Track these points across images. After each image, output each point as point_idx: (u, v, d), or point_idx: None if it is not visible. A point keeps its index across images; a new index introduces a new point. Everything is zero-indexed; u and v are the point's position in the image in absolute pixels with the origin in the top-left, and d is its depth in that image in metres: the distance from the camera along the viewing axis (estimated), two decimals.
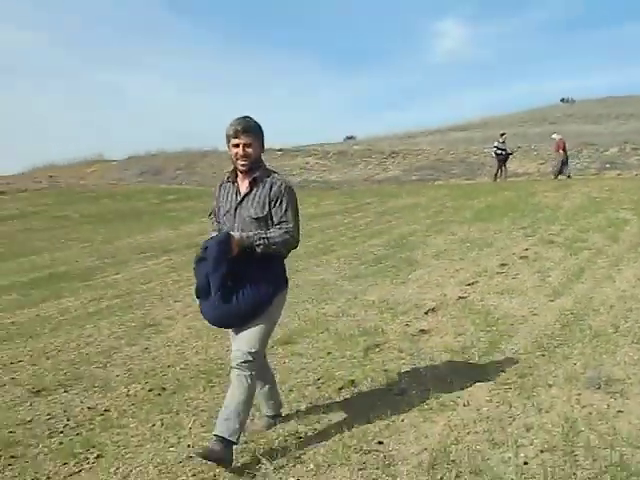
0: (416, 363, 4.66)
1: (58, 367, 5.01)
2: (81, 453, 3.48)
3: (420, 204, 15.44)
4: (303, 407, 3.95)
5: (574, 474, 2.94)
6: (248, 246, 3.17)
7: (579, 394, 3.89)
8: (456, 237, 10.50)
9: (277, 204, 3.28)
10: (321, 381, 4.39)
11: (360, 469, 3.10)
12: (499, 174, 21.82)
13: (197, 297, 3.43)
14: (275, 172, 3.46)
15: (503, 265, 8.08)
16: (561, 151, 21.27)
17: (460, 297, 6.59)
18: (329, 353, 4.99)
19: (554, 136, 22.10)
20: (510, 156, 22.07)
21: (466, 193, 17.18)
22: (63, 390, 4.51)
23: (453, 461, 3.12)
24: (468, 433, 3.44)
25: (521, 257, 8.53)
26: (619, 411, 3.62)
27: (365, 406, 3.89)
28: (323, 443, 3.41)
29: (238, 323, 3.28)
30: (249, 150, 3.28)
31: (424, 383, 4.23)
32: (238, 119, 3.32)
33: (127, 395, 4.34)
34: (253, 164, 3.33)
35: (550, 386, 4.06)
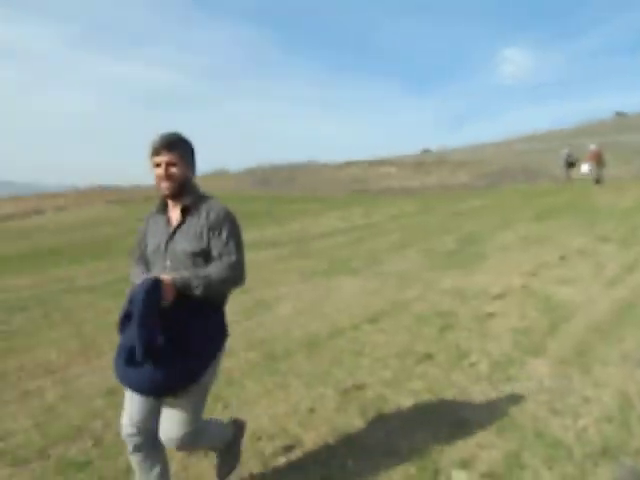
0: (484, 341, 4.54)
1: None
2: (211, 404, 3.63)
3: (487, 206, 14.97)
4: (387, 375, 3.93)
5: (629, 442, 2.79)
6: (184, 290, 2.19)
7: (632, 372, 3.67)
8: (519, 233, 10.12)
9: (216, 234, 2.33)
10: (402, 354, 4.36)
11: (437, 429, 3.07)
12: (566, 178, 21.09)
13: (124, 360, 2.18)
14: (211, 197, 2.49)
15: (562, 258, 7.71)
16: (592, 161, 20.14)
17: (523, 285, 6.34)
18: (409, 331, 4.94)
19: (592, 147, 20.84)
20: (575, 164, 21.13)
21: (528, 196, 16.51)
22: None
23: (519, 425, 3.03)
24: (532, 402, 3.32)
25: (578, 251, 8.11)
26: None
27: (440, 376, 3.84)
28: (406, 405, 3.40)
29: (169, 393, 2.24)
30: (173, 170, 2.34)
31: (492, 358, 4.12)
32: (161, 134, 2.36)
33: (245, 359, 4.47)
34: (181, 188, 2.37)
35: (606, 364, 3.85)
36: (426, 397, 3.48)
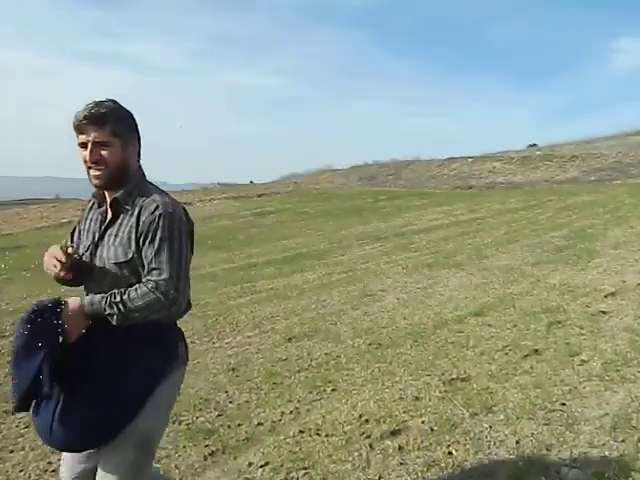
0: (596, 339, 4.22)
1: (303, 322, 5.34)
2: (320, 386, 3.70)
3: (599, 201, 13.85)
4: (493, 368, 3.78)
5: None
6: (96, 319, 1.58)
7: None
8: (635, 230, 9.26)
9: (147, 241, 1.63)
10: (508, 348, 4.16)
11: (545, 424, 2.90)
12: None
13: (19, 406, 1.58)
14: (154, 188, 1.76)
15: None
16: None
17: (639, 284, 5.81)
18: (515, 325, 4.71)
19: None
20: None
21: None
22: (307, 339, 4.79)
23: (634, 427, 2.79)
24: None
25: None
26: None
27: (549, 372, 3.62)
28: (512, 399, 3.25)
29: (82, 447, 1.66)
30: (104, 153, 1.65)
31: (605, 357, 3.82)
32: (88, 104, 1.64)
33: (352, 346, 4.50)
34: (116, 177, 1.69)
35: None
36: (533, 392, 3.30)
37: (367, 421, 3.11)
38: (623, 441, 2.67)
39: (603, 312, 4.93)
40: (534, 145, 35.98)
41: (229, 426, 3.16)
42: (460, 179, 23.75)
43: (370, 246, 9.97)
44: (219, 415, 3.32)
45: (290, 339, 4.81)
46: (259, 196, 21.74)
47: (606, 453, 2.59)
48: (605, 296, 5.46)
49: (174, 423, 3.18)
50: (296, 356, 4.35)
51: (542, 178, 21.92)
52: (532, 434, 2.81)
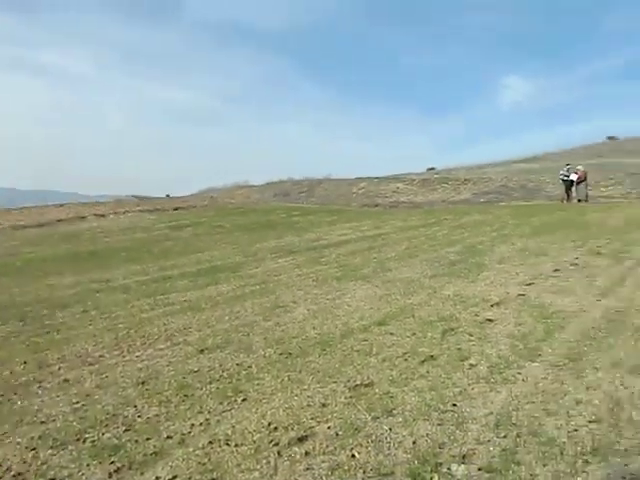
0: (483, 345, 4.48)
1: (216, 334, 5.22)
2: (231, 396, 3.62)
3: (487, 221, 14.83)
4: (394, 373, 3.89)
5: (618, 442, 2.73)
6: None
7: (622, 377, 3.59)
8: (517, 247, 10.00)
9: None
10: (408, 354, 4.31)
11: (439, 424, 3.03)
12: (566, 197, 20.61)
13: None
14: None
15: (556, 270, 7.60)
16: (578, 182, 19.93)
17: (520, 294, 6.26)
18: (414, 334, 4.90)
19: (579, 167, 20.55)
20: (574, 183, 20.70)
21: (525, 213, 16.31)
22: (219, 350, 4.68)
23: (514, 424, 2.98)
24: (527, 403, 3.27)
25: (572, 264, 7.99)
26: None
27: (442, 376, 3.79)
28: (410, 402, 3.36)
29: None
30: None
31: (490, 360, 4.06)
32: None
33: (264, 356, 4.45)
34: None
35: (597, 369, 3.78)
36: (429, 395, 3.44)
37: (276, 429, 3.09)
38: (505, 437, 2.85)
39: (489, 320, 5.25)
40: (433, 169, 37.98)
41: (137, 441, 3.00)
42: (367, 197, 24.49)
43: (283, 259, 9.97)
44: (127, 430, 3.15)
45: (202, 351, 4.68)
46: (175, 209, 21.07)
47: (490, 448, 2.75)
48: (491, 305, 5.82)
49: (78, 441, 2.97)
50: (208, 367, 4.24)
51: (440, 199, 23.15)
52: (427, 434, 2.92)
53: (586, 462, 2.57)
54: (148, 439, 3.00)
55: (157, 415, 3.35)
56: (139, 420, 3.28)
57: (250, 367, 4.20)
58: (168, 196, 32.76)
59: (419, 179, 26.87)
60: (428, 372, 3.89)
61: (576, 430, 2.86)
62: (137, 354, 4.63)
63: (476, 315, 5.47)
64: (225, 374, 4.07)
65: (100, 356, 4.65)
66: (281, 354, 4.48)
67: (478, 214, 16.53)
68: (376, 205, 22.48)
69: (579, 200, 19.85)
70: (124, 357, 4.57)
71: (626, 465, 2.51)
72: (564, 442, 2.74)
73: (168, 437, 3.04)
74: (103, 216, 17.92)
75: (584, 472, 2.50)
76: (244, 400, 3.55)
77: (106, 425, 3.22)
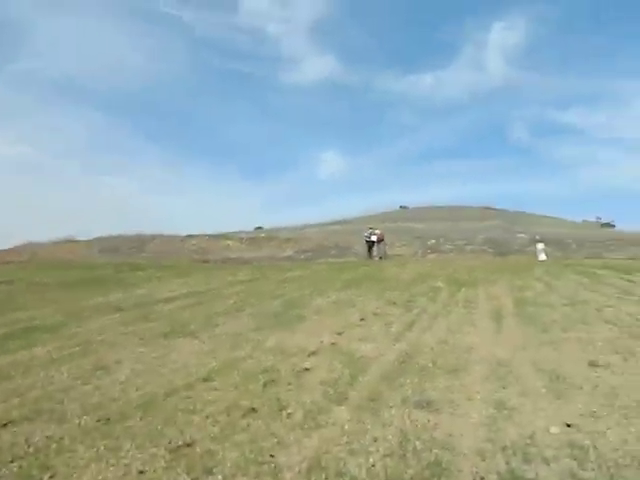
0: (300, 393, 4.58)
1: (24, 403, 4.47)
2: (37, 475, 3.10)
3: (307, 276, 15.56)
4: (216, 430, 3.74)
5: (405, 471, 2.97)
6: None
7: (410, 412, 3.96)
8: (331, 299, 10.61)
9: None
10: (230, 409, 4.20)
11: (255, 477, 2.97)
12: (369, 255, 22.61)
13: None
14: None
15: (362, 319, 8.22)
16: (378, 243, 22.53)
17: (332, 343, 6.60)
18: (237, 387, 4.80)
19: (377, 231, 23.24)
20: (375, 243, 22.89)
21: (338, 269, 17.54)
22: (27, 422, 4.01)
23: (323, 467, 3.06)
24: (335, 445, 3.40)
25: (374, 313, 8.73)
26: (436, 424, 3.72)
27: (262, 428, 3.76)
28: (230, 457, 3.24)
29: None
30: None
31: (305, 408, 4.16)
32: None
33: (79, 425, 3.93)
34: None
35: (391, 407, 4.12)
36: (248, 448, 3.37)
37: None
38: None
39: (306, 369, 5.41)
40: (260, 228, 38.93)
41: None
42: (199, 253, 23.95)
43: (108, 317, 9.10)
44: None
45: (5, 425, 3.95)
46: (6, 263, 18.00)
47: None
48: (308, 355, 6.02)
49: None
50: (10, 443, 3.58)
51: (266, 255, 23.68)
52: None
53: None
54: None
55: None
56: None
57: (62, 439, 3.66)
58: None
59: (247, 237, 27.26)
60: (249, 425, 3.82)
61: (373, 466, 3.05)
62: None
63: (295, 365, 5.60)
64: (31, 449, 3.49)
65: None
66: (98, 421, 4.00)
67: (299, 270, 17.27)
68: (207, 261, 22.07)
69: (379, 258, 22.08)
70: None
71: None
72: (364, 478, 2.89)
73: None
74: None
75: None
76: (52, 477, 3.06)
77: None
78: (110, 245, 26.54)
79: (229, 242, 25.74)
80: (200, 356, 6.09)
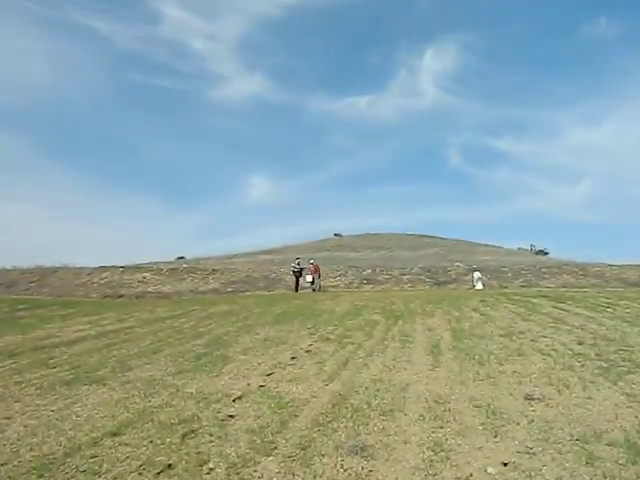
0: (223, 444, 4.44)
1: None
2: None
3: (233, 310, 15.29)
4: None
5: None
6: None
7: (343, 460, 3.96)
8: (260, 337, 10.48)
9: None
10: (143, 467, 3.98)
11: None
12: (296, 288, 22.62)
13: None
14: None
15: (293, 358, 8.17)
16: (312, 274, 22.82)
17: (260, 386, 6.49)
18: (151, 441, 4.57)
19: (311, 261, 23.56)
20: (303, 273, 23.00)
21: (268, 302, 17.40)
22: None
23: None
24: None
25: (306, 351, 8.71)
26: (370, 471, 3.74)
27: None
28: None
29: None
30: None
31: (229, 461, 4.03)
32: None
33: None
34: None
35: (323, 455, 4.09)
36: None
37: None
38: None
39: (231, 416, 5.27)
40: (182, 258, 37.95)
41: None
42: (110, 288, 22.87)
43: (0, 364, 8.39)
44: None
45: None
46: None
47: None
48: (233, 400, 5.88)
49: None
50: None
51: (188, 288, 23.06)
52: None
53: None
54: None
55: None
56: None
57: None
58: None
59: (167, 268, 26.45)
60: None
61: None
62: None
63: (218, 412, 5.44)
64: None
65: None
66: None
67: (225, 304, 16.95)
68: (120, 296, 21.09)
69: (313, 290, 22.21)
70: None
71: None
72: None
73: None
74: None
75: None
76: None
77: None
78: (5, 279, 24.70)
79: (146, 274, 24.82)
80: (109, 406, 5.75)
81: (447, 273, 26.65)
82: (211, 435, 4.68)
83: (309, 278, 22.40)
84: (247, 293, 22.25)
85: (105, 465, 4.04)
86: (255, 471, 3.81)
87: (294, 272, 22.83)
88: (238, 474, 3.75)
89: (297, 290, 22.41)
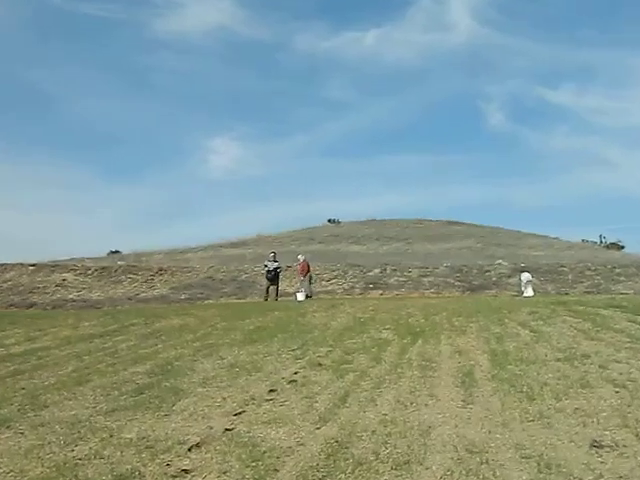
0: None
1: None
2: None
3: (189, 325, 15.31)
4: None
5: None
6: None
7: None
8: (225, 361, 10.51)
9: None
10: None
11: None
12: (267, 294, 22.52)
13: None
14: None
15: (272, 391, 8.21)
16: (301, 275, 22.85)
17: (227, 429, 6.52)
18: None
19: (299, 257, 23.59)
20: (280, 274, 22.93)
21: (237, 313, 17.44)
22: None
23: None
24: None
25: (290, 382, 8.75)
26: None
27: None
28: None
29: None
30: None
31: None
32: None
33: None
34: None
35: None
36: None
37: None
38: None
39: (185, 471, 5.28)
40: (117, 252, 37.87)
41: None
42: (17, 294, 22.81)
43: None
44: None
45: None
46: None
47: None
48: (189, 449, 5.89)
49: None
50: None
51: (125, 295, 23.06)
52: None
53: None
54: None
55: None
56: None
57: None
58: None
59: (96, 267, 26.40)
60: None
61: None
62: None
63: (168, 465, 5.45)
64: None
65: None
66: None
67: (177, 316, 16.96)
68: (31, 305, 21.05)
69: (307, 296, 22.18)
70: None
71: None
72: None
73: None
74: None
75: None
76: None
77: None
78: None
79: (67, 275, 24.76)
80: (16, 458, 5.76)
81: (484, 274, 26.86)
82: None
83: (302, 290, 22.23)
84: (208, 301, 22.27)
85: None
86: None
87: (267, 271, 22.52)
88: None
89: (267, 299, 22.24)
